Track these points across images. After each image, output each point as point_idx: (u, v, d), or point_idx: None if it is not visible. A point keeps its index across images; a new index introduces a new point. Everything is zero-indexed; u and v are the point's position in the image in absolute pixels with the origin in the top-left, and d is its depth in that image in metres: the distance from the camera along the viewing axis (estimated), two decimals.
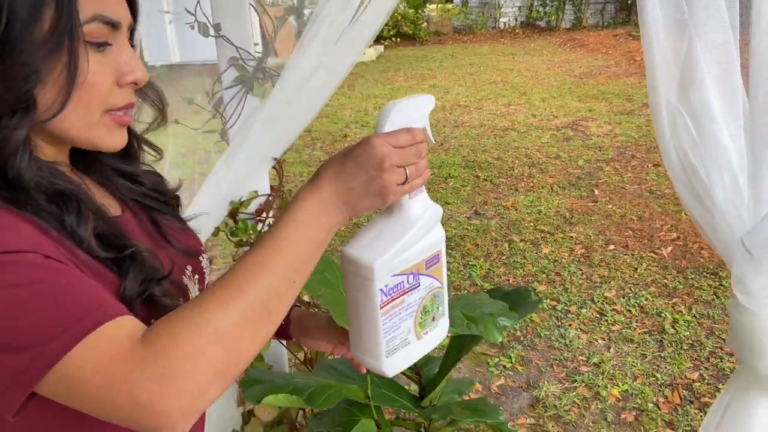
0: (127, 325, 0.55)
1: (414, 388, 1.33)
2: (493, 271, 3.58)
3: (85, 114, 0.65)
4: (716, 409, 1.08)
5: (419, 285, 0.74)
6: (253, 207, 1.43)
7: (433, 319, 0.79)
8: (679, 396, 2.49)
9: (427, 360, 1.25)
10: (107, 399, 0.52)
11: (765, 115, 0.94)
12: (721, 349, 2.77)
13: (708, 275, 3.41)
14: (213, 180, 1.32)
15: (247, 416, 1.45)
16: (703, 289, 3.26)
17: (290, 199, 1.59)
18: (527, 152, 5.72)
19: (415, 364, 1.23)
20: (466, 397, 2.01)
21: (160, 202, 0.83)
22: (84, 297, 0.55)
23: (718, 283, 3.32)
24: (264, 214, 1.42)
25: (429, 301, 0.77)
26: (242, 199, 1.39)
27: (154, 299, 0.66)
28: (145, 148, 0.84)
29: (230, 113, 1.27)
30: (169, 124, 0.84)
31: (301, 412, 1.56)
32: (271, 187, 1.49)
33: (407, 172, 0.65)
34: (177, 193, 0.90)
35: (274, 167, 1.45)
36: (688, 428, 2.31)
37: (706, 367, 2.66)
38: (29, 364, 0.51)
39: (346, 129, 6.93)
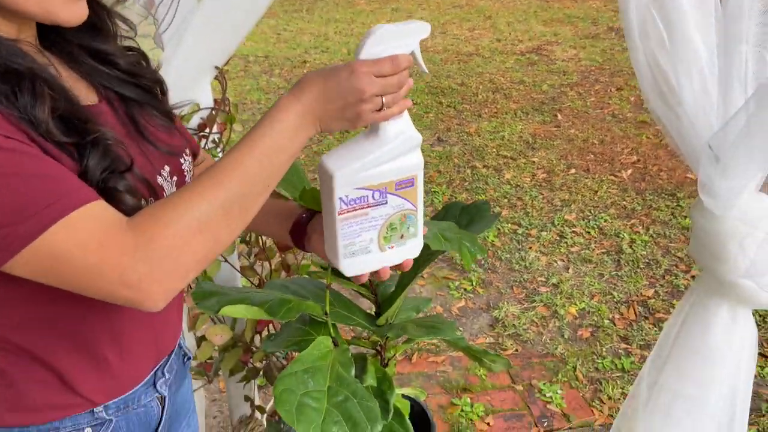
0: (108, 209, 0.59)
1: (371, 307, 1.30)
2: (455, 197, 3.56)
3: None
4: (676, 315, 1.07)
5: (386, 203, 0.78)
6: (194, 122, 1.33)
7: (402, 237, 0.83)
8: (635, 312, 2.55)
9: None
10: (95, 276, 0.57)
11: (738, 8, 0.88)
12: (677, 266, 2.84)
13: (666, 196, 3.45)
14: None
15: (199, 341, 1.40)
16: (661, 210, 3.31)
17: (235, 113, 1.50)
18: (491, 77, 5.62)
19: (370, 282, 1.20)
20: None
21: (139, 89, 0.78)
22: (52, 180, 0.56)
23: (675, 204, 3.36)
24: (207, 129, 1.32)
25: (398, 219, 0.80)
26: (182, 113, 1.29)
27: (115, 194, 0.63)
28: (118, 22, 0.78)
29: (163, 15, 1.15)
30: None
31: (257, 336, 1.52)
32: (215, 100, 1.38)
33: (384, 100, 0.68)
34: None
35: (216, 78, 1.35)
36: (642, 342, 2.38)
37: (661, 285, 2.72)
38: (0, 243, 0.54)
39: (305, 55, 6.67)
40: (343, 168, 0.74)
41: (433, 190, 3.63)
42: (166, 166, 0.77)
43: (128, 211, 0.62)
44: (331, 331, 1.14)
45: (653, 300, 2.62)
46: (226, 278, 1.51)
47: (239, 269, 1.59)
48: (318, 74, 0.68)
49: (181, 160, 0.81)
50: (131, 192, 0.64)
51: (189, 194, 0.60)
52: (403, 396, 1.43)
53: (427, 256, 1.14)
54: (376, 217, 0.79)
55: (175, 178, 0.79)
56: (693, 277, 2.74)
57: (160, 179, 0.75)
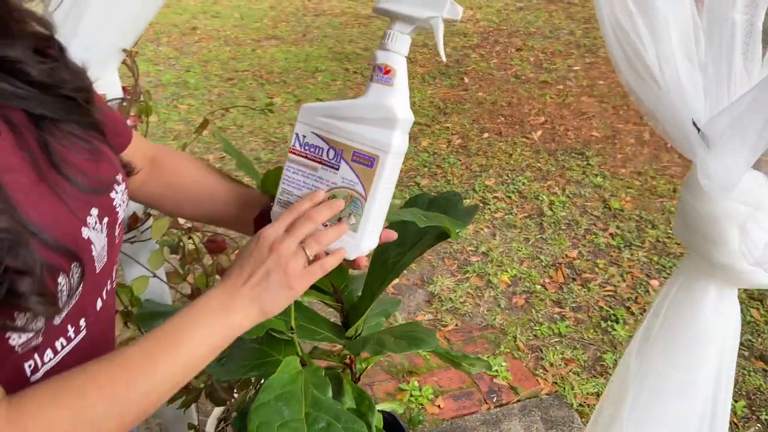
0: None
1: (336, 316, 1.18)
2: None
3: None
4: (663, 299, 1.04)
5: (338, 169, 0.72)
6: None
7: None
8: (563, 275, 2.60)
9: (347, 282, 1.09)
10: None
11: None
12: (595, 225, 2.92)
13: (576, 156, 3.54)
14: None
15: None
16: (573, 170, 3.39)
17: (150, 103, 1.29)
18: None
19: (334, 288, 1.07)
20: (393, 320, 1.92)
21: (57, 103, 0.58)
22: None
23: (585, 163, 3.46)
24: None
25: (342, 196, 0.72)
26: None
27: (16, 303, 0.47)
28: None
29: None
30: None
31: None
32: (124, 89, 1.17)
33: (306, 249, 0.65)
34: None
35: (125, 62, 1.13)
36: (573, 304, 2.43)
37: (583, 245, 2.79)
38: None
39: (194, 20, 6.20)
40: (312, 105, 0.72)
41: None
42: (93, 209, 0.60)
43: (41, 314, 0.49)
44: (299, 349, 1.01)
45: (578, 261, 2.68)
46: (156, 296, 1.32)
47: (165, 278, 1.41)
48: (236, 258, 0.66)
49: (113, 195, 0.64)
50: (40, 294, 0.48)
51: (85, 394, 0.52)
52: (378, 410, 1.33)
53: (412, 248, 1.04)
54: (323, 181, 0.73)
55: (105, 219, 0.62)
56: (611, 234, 2.84)
57: (86, 231, 0.58)
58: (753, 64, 0.88)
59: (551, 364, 2.14)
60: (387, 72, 0.73)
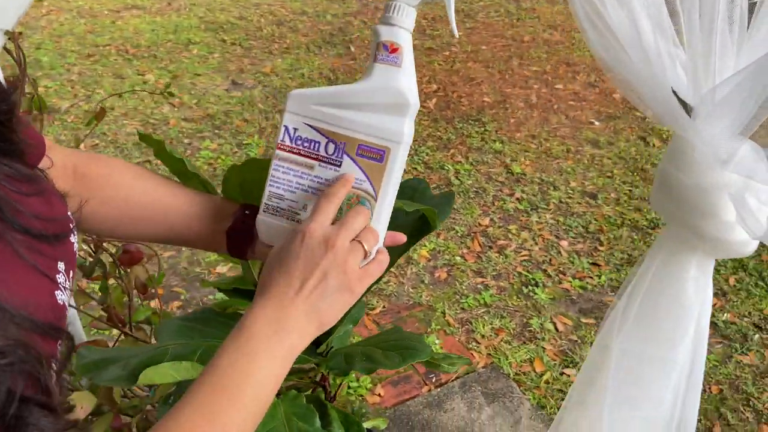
0: None
1: None
2: (271, 148, 3.24)
3: None
4: (641, 276, 1.01)
5: (340, 165, 0.62)
6: None
7: None
8: (479, 244, 2.61)
9: None
10: None
11: None
12: (501, 191, 2.96)
13: (473, 122, 3.56)
14: None
15: None
16: (473, 137, 3.41)
17: (41, 95, 1.05)
18: (270, 9, 5.20)
19: None
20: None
21: None
22: None
23: (482, 129, 3.49)
24: None
25: (347, 199, 0.62)
26: None
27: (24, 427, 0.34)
28: None
29: None
30: None
31: (124, 397, 1.16)
32: (8, 80, 0.93)
33: (363, 243, 0.57)
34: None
35: (5, 48, 0.90)
36: (494, 273, 2.44)
37: (493, 212, 2.82)
38: None
39: None
40: (304, 92, 0.62)
41: (245, 143, 3.27)
42: (59, 262, 0.45)
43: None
44: None
45: (491, 228, 2.70)
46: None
47: (75, 304, 1.18)
48: (271, 261, 0.56)
49: (72, 238, 0.48)
50: (48, 408, 0.35)
51: None
52: None
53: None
54: (322, 180, 0.62)
55: (71, 272, 0.46)
56: (518, 199, 2.89)
57: (59, 294, 0.43)
58: (737, 28, 0.85)
59: (483, 336, 2.13)
60: (394, 50, 0.61)
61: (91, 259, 1.16)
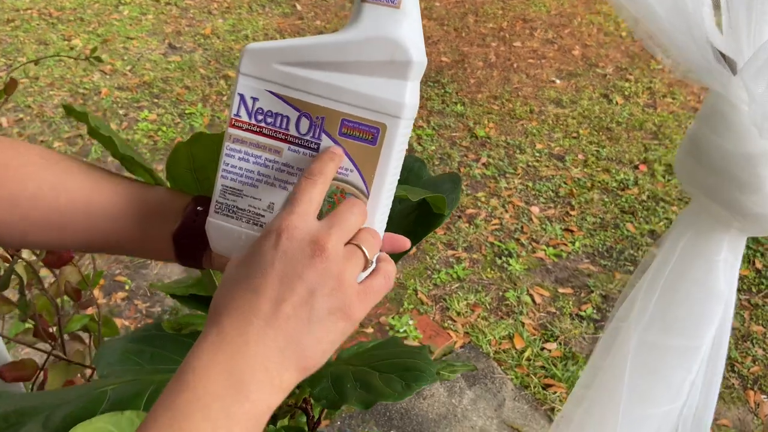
0: None
1: None
2: (218, 117, 3.00)
3: None
4: (663, 259, 0.88)
5: (317, 148, 0.45)
6: None
7: None
8: None
9: None
10: None
11: None
12: (467, 156, 2.81)
13: (432, 84, 3.39)
14: None
15: None
16: (433, 99, 3.24)
17: None
18: None
19: None
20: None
21: None
22: None
23: (443, 91, 3.32)
24: None
25: (328, 194, 0.45)
26: None
27: None
28: None
29: None
30: None
31: None
32: None
33: (363, 247, 0.41)
34: None
35: None
36: (465, 244, 2.31)
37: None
38: None
39: None
40: (264, 46, 0.44)
41: (187, 112, 3.00)
42: None
43: None
44: None
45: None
46: None
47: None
48: (230, 275, 0.40)
49: None
50: None
51: None
52: None
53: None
54: (293, 170, 0.46)
55: None
56: (484, 164, 2.75)
57: None
58: None
59: (458, 313, 2.01)
60: None
61: (7, 266, 0.95)
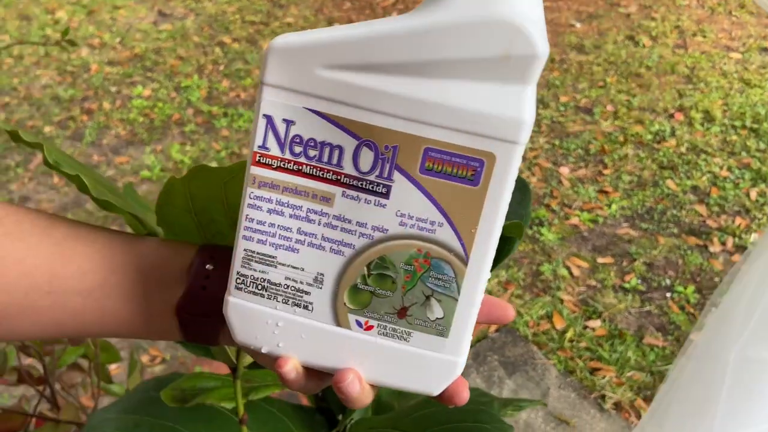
0: None
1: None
2: (216, 89, 2.80)
3: None
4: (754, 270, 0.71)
5: (387, 193, 0.30)
6: None
7: (400, 311, 0.32)
8: None
9: None
10: None
11: None
12: None
13: None
14: None
15: None
16: None
17: None
18: None
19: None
20: None
21: None
22: None
23: None
24: None
25: (404, 257, 0.31)
26: None
27: None
28: None
29: None
30: None
31: None
32: None
33: None
34: None
35: None
36: None
37: None
38: None
39: None
40: (301, 40, 0.29)
41: (183, 85, 2.81)
42: None
43: None
44: None
45: None
46: None
47: None
48: None
49: None
50: None
51: None
52: None
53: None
54: (349, 225, 0.31)
55: None
56: None
57: None
58: None
59: (489, 293, 1.85)
60: None
61: None
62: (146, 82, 2.85)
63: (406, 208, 0.30)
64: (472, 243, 0.30)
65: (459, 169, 0.29)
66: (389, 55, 0.28)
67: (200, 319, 0.36)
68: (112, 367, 1.36)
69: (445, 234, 0.30)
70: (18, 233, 0.36)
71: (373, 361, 0.33)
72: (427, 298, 0.32)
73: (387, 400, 0.70)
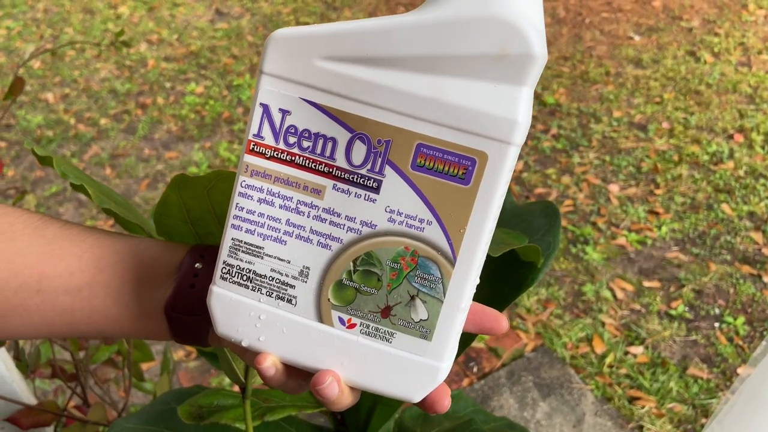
0: None
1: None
2: None
3: None
4: None
5: (378, 188, 0.30)
6: None
7: (384, 310, 0.32)
8: (514, 194, 2.24)
9: None
10: None
11: None
12: (534, 127, 2.56)
13: None
14: None
15: None
16: None
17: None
18: None
19: None
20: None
21: None
22: None
23: None
24: None
25: (391, 255, 0.31)
26: None
27: None
28: None
29: None
30: None
31: None
32: None
33: None
34: None
35: None
36: None
37: (527, 153, 2.43)
38: None
39: None
40: (300, 32, 0.29)
41: (235, 84, 2.85)
42: None
43: None
44: None
45: (526, 174, 2.33)
46: None
47: None
48: None
49: None
50: None
51: None
52: None
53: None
54: (338, 218, 0.31)
55: None
56: (554, 136, 2.49)
57: None
58: None
59: (528, 311, 1.81)
60: None
61: None
62: (199, 79, 2.91)
63: (396, 204, 0.30)
64: (461, 244, 0.30)
65: (450, 167, 0.29)
66: (386, 49, 0.29)
67: (189, 318, 0.36)
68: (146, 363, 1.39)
69: (434, 233, 0.30)
70: (10, 233, 0.37)
71: (354, 361, 0.32)
72: (412, 298, 0.31)
73: (410, 425, 0.69)
